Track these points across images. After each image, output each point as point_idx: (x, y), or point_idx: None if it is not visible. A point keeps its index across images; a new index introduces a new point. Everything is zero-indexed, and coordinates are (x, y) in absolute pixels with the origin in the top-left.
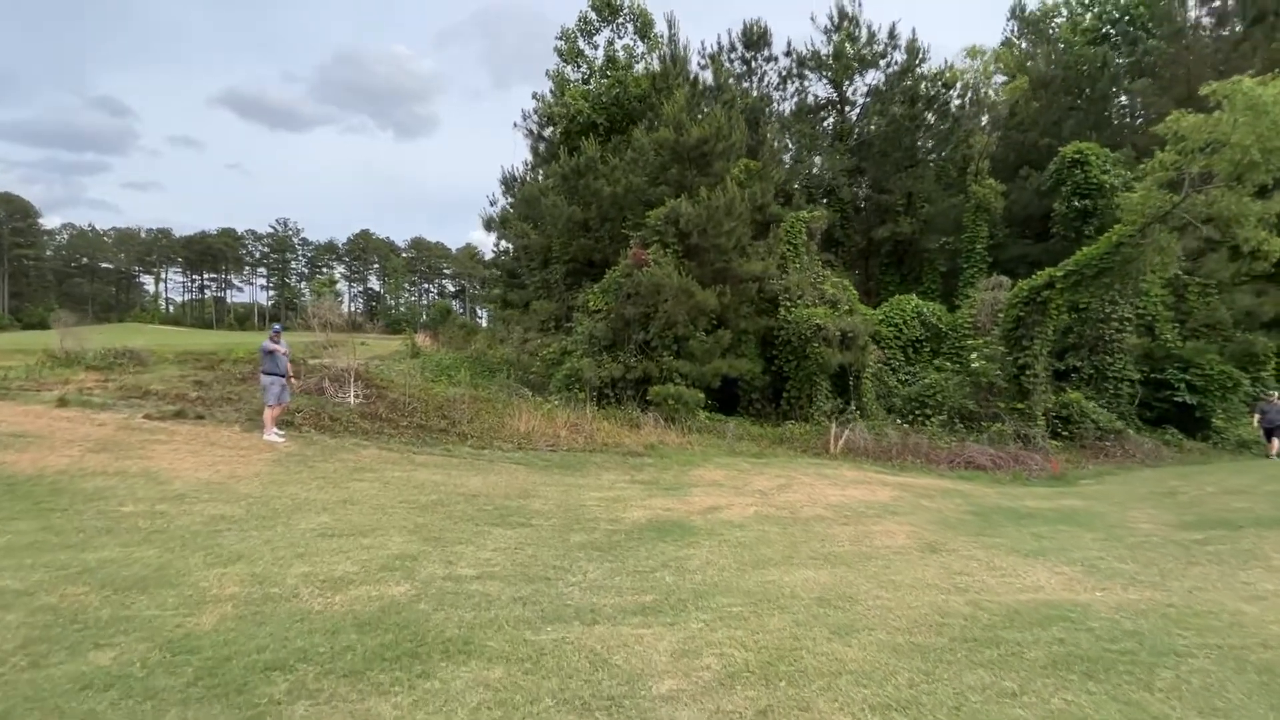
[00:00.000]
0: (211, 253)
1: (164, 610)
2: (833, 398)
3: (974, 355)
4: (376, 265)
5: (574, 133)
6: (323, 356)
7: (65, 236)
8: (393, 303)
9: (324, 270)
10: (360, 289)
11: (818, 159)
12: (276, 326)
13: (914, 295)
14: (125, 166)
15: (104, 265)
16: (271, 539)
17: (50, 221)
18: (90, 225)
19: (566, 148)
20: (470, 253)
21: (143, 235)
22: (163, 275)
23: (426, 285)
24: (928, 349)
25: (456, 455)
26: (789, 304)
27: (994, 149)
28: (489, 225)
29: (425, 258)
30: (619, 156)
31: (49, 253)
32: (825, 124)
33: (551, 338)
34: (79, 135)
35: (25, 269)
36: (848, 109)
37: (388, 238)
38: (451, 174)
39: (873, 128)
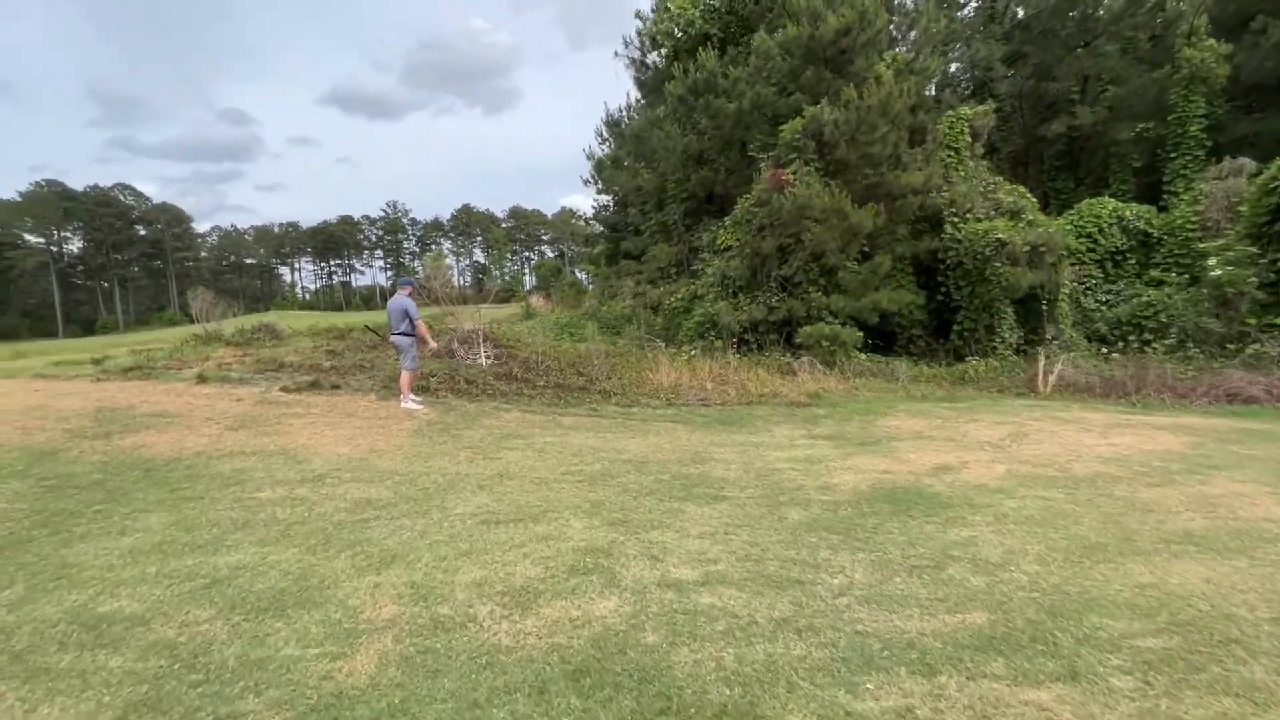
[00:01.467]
0: (334, 240)
1: (306, 647)
2: (1018, 327)
3: (1213, 261)
4: (479, 238)
5: (684, 51)
6: (446, 322)
7: (215, 238)
8: (497, 273)
9: (433, 246)
10: (467, 262)
11: (959, 50)
12: (407, 279)
13: (1106, 198)
14: (255, 171)
15: (248, 261)
16: (427, 529)
17: (201, 226)
18: (233, 226)
19: (678, 68)
20: (566, 216)
21: (276, 230)
22: (296, 265)
23: (527, 253)
24: (1133, 261)
25: (604, 415)
26: (956, 219)
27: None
28: (589, 180)
29: (524, 225)
30: (740, 68)
31: (204, 254)
32: (965, 9)
33: (675, 284)
34: (216, 147)
35: (186, 270)
36: None
37: (488, 210)
38: (539, 142)
39: (1029, 4)
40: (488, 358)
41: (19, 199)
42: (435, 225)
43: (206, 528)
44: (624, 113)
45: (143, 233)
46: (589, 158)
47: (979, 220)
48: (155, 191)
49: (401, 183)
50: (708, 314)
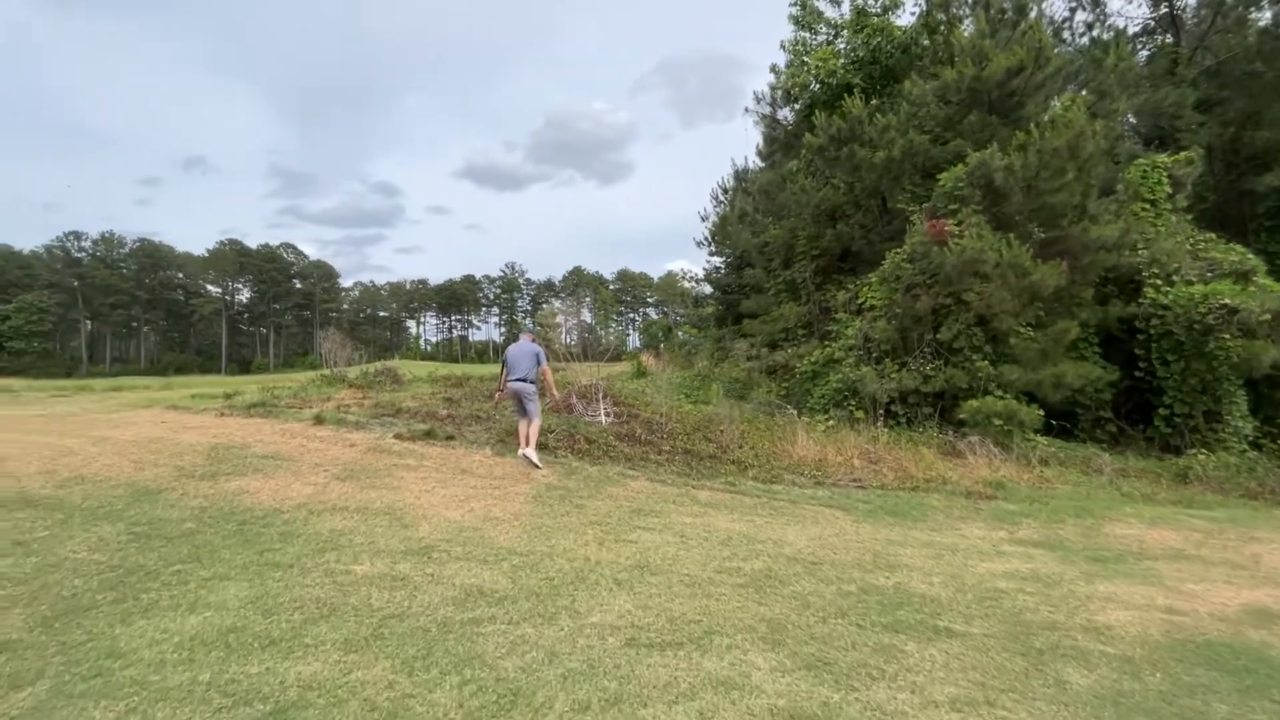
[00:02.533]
0: (457, 296)
1: None
2: (1250, 415)
3: None
4: (588, 298)
5: (821, 103)
6: (562, 375)
7: (356, 292)
8: (602, 332)
9: (544, 305)
10: (574, 321)
11: (1132, 100)
12: (531, 326)
13: None
14: (396, 235)
15: (381, 314)
16: (556, 648)
17: (346, 282)
18: (371, 281)
19: (821, 117)
20: (671, 280)
21: (408, 287)
22: (421, 319)
23: (632, 315)
24: None
25: (743, 491)
26: (1158, 282)
27: None
28: (704, 241)
29: (630, 288)
30: (889, 115)
31: (345, 306)
32: (1139, 55)
33: (802, 346)
34: (366, 215)
35: (330, 319)
36: (1175, 31)
37: (597, 272)
38: (648, 212)
39: (1222, 49)
40: (608, 415)
41: (206, 255)
42: (548, 285)
43: (288, 610)
44: (750, 169)
45: (298, 285)
46: (703, 219)
47: (1189, 283)
48: (313, 252)
49: (520, 248)
50: (847, 380)
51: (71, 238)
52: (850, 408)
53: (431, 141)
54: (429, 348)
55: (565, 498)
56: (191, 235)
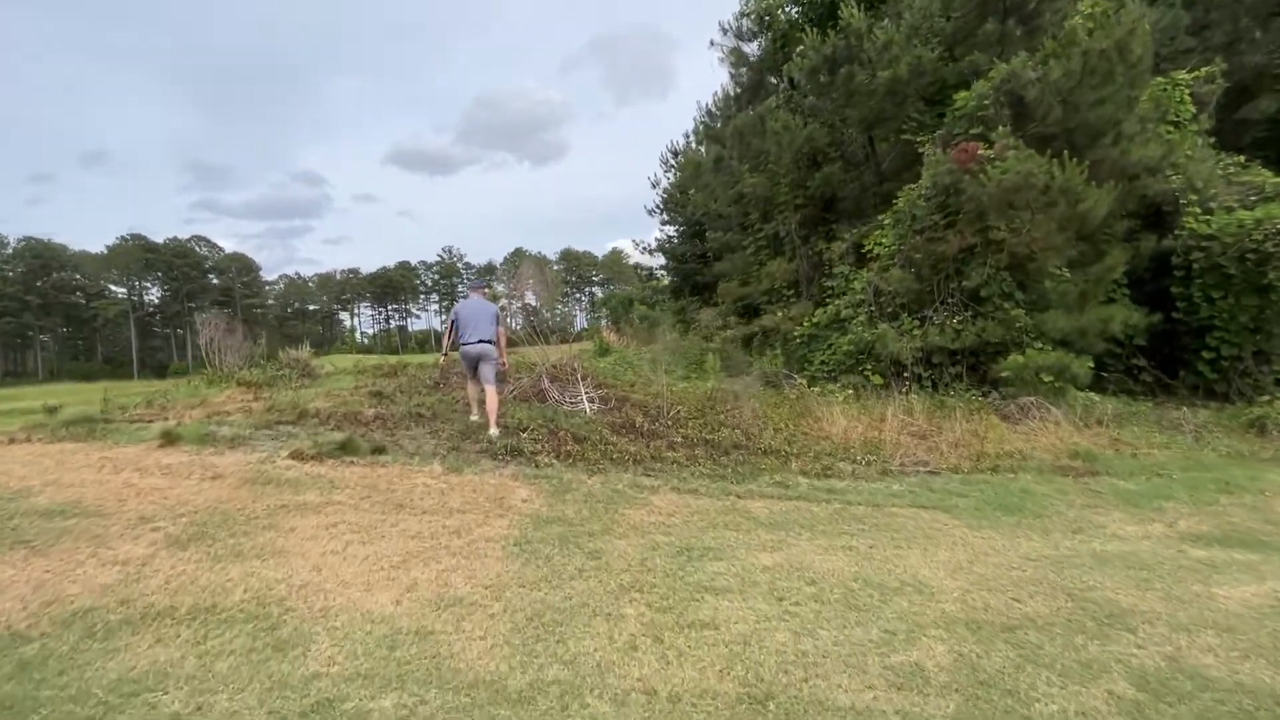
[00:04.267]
0: (392, 285)
1: None
2: None
3: None
4: (532, 280)
5: (798, 28)
6: (523, 356)
7: (281, 286)
8: (548, 314)
9: (487, 289)
10: (518, 305)
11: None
12: (481, 282)
13: None
14: (323, 226)
15: (311, 307)
16: None
17: (269, 276)
18: (297, 273)
19: (811, 36)
20: (616, 257)
21: (338, 277)
22: (355, 310)
23: (577, 294)
24: None
25: (803, 495)
26: (1196, 210)
27: None
28: (655, 209)
29: (575, 267)
30: (892, 29)
31: (270, 301)
32: None
33: (796, 307)
34: (290, 206)
35: (255, 316)
36: None
37: (539, 252)
38: (587, 191)
39: None
40: (591, 401)
41: (105, 253)
42: (488, 269)
43: None
44: (715, 114)
45: (215, 281)
46: (654, 185)
47: (1228, 210)
48: (232, 247)
49: (456, 233)
50: (859, 341)
51: None
52: (866, 373)
53: (356, 127)
54: (366, 340)
55: (567, 539)
56: (95, 236)
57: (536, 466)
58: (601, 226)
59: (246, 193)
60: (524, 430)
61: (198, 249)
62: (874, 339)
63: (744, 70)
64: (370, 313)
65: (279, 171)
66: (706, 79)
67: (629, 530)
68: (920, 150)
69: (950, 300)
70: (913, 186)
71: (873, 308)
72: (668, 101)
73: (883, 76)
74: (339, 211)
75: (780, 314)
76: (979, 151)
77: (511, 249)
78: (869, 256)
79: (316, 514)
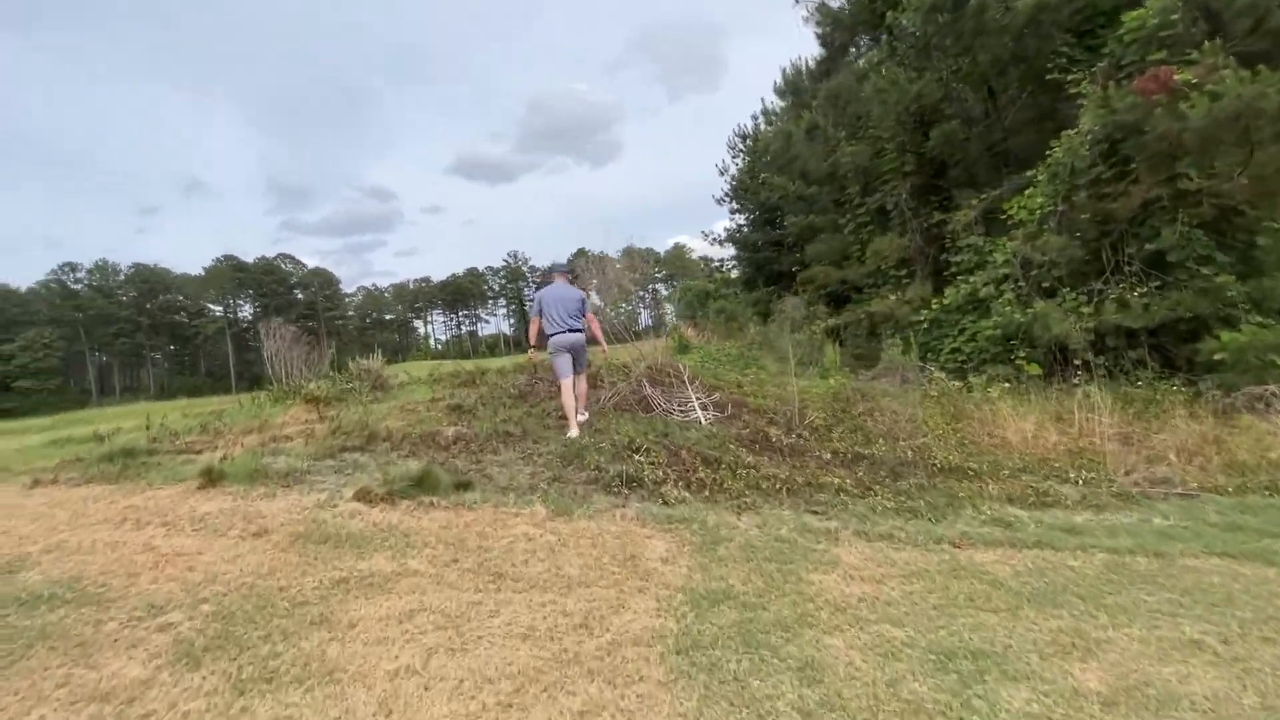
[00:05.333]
0: (461, 291)
1: None
2: None
3: None
4: (595, 281)
5: None
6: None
7: (359, 298)
8: (612, 313)
9: (569, 274)
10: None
11: None
12: (563, 265)
13: None
14: (395, 239)
15: (387, 317)
16: None
17: (348, 288)
18: (374, 285)
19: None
20: (679, 253)
21: (411, 286)
22: (428, 318)
23: (641, 292)
24: None
25: (1030, 534)
26: None
27: None
28: (724, 198)
29: (636, 265)
30: None
31: (350, 313)
32: None
33: (911, 289)
34: (363, 221)
35: (336, 328)
36: None
37: (601, 251)
38: (643, 190)
39: None
40: (705, 409)
41: (203, 274)
42: (553, 269)
43: None
44: (800, 83)
45: (300, 296)
46: (722, 172)
47: None
48: (314, 263)
49: (520, 238)
50: (1008, 323)
51: (66, 269)
52: (1018, 361)
53: (419, 140)
54: (439, 346)
55: (751, 637)
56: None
57: (665, 503)
58: (661, 222)
59: (323, 211)
60: (637, 451)
61: (283, 266)
62: (1028, 320)
63: (832, 30)
64: (442, 319)
65: (351, 188)
66: (760, 63)
67: (834, 614)
68: (1070, 92)
69: (1127, 268)
70: (1072, 133)
71: (1021, 283)
72: (720, 92)
73: (1022, 4)
74: (409, 224)
75: (893, 298)
76: (1174, 77)
77: (574, 250)
78: (1010, 223)
79: (386, 594)
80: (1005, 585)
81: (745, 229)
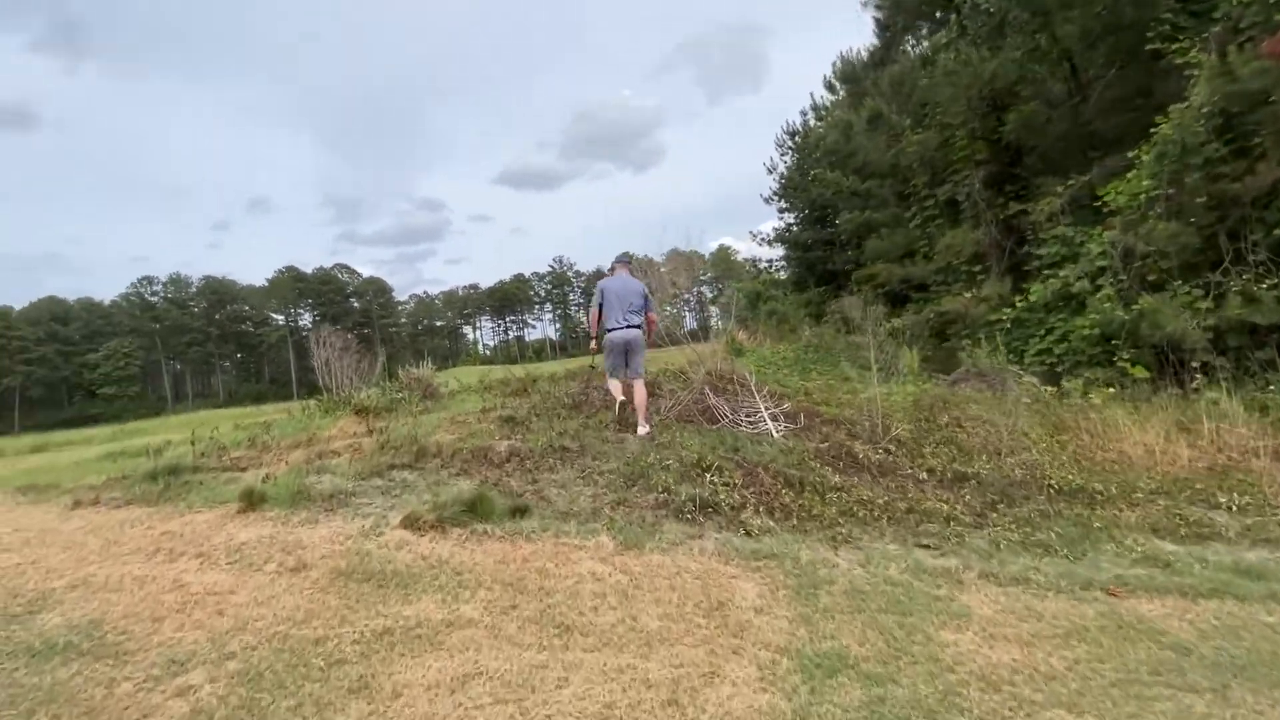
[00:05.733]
0: (509, 297)
1: None
2: None
3: None
4: (647, 280)
5: None
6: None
7: (411, 305)
8: (657, 316)
9: (630, 264)
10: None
11: None
12: (624, 256)
13: None
14: (445, 248)
15: (438, 323)
16: None
17: (400, 296)
18: (425, 292)
19: None
20: (724, 255)
21: (460, 293)
22: (477, 324)
23: (685, 295)
24: None
25: (1201, 578)
26: None
27: None
28: (772, 197)
29: (683, 268)
30: None
31: (403, 320)
32: None
33: (987, 286)
34: (415, 231)
35: (389, 335)
36: None
37: (646, 255)
38: (686, 193)
39: None
40: (775, 419)
41: (266, 285)
42: (597, 274)
43: None
44: (855, 66)
45: (355, 305)
46: (770, 170)
47: None
48: (370, 273)
49: (565, 243)
50: (1109, 321)
51: (144, 283)
52: (1121, 363)
53: (467, 151)
54: (488, 351)
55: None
56: (260, 272)
57: (747, 533)
58: (704, 226)
59: (377, 223)
60: (708, 469)
61: (340, 276)
62: (1133, 317)
63: (892, 12)
64: (490, 325)
65: (403, 199)
66: (802, 62)
67: (985, 691)
68: (1174, 64)
69: (1251, 256)
70: (1182, 106)
71: (1122, 276)
72: (762, 93)
73: None
74: (458, 233)
75: (968, 295)
76: None
77: (619, 253)
78: (1105, 210)
79: (436, 649)
80: (1194, 652)
81: (795, 228)
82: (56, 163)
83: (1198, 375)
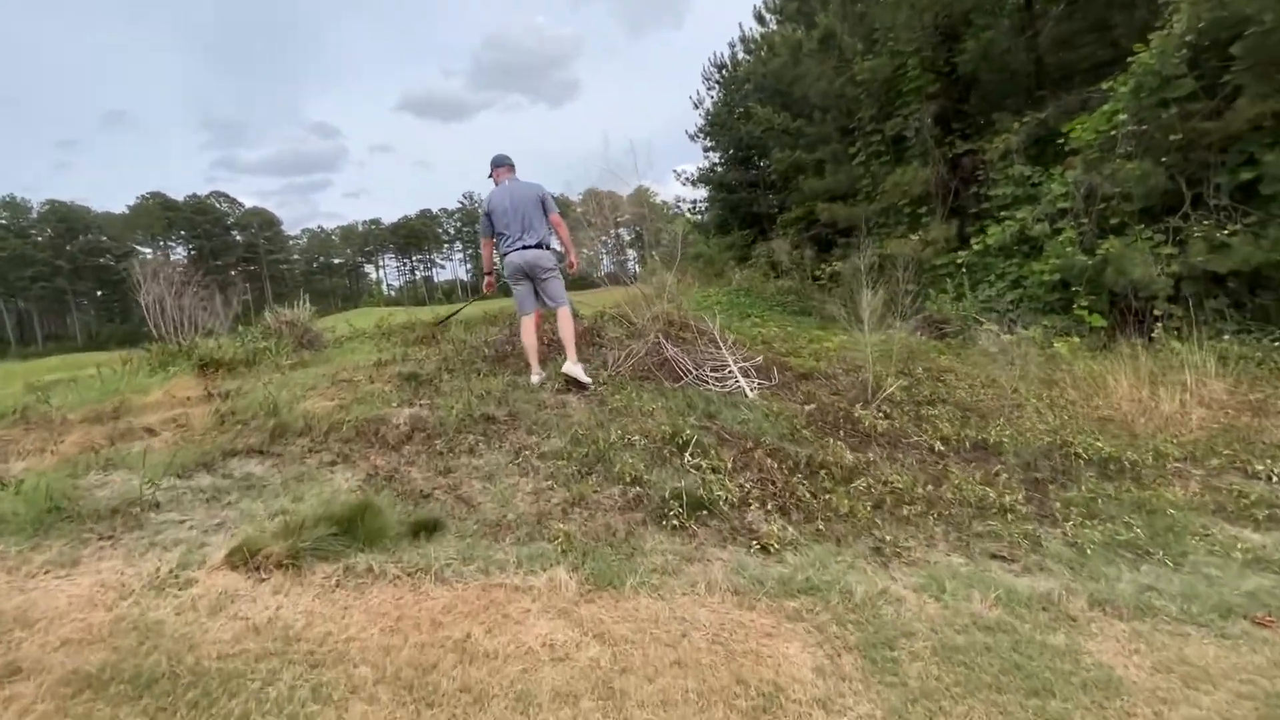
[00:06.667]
0: (415, 234)
1: None
2: None
3: None
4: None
5: None
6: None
7: (304, 240)
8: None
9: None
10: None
11: None
12: (504, 157)
13: None
14: (342, 180)
15: (336, 261)
16: None
17: (293, 231)
18: (320, 227)
19: None
20: (643, 195)
21: (360, 229)
22: (380, 262)
23: (603, 237)
24: None
25: None
26: None
27: None
28: (698, 134)
29: (599, 209)
30: None
31: (295, 256)
32: None
33: (935, 228)
34: (306, 160)
35: (280, 273)
36: None
37: (562, 194)
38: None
39: None
40: (749, 377)
41: (127, 213)
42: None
43: None
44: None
45: (238, 238)
46: (696, 105)
47: None
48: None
49: (476, 179)
50: (1071, 266)
51: None
52: (1079, 311)
53: (365, 75)
54: (393, 293)
55: None
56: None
57: (764, 548)
58: (623, 166)
59: (264, 150)
60: (685, 447)
61: (218, 205)
62: (1096, 262)
63: None
64: (395, 264)
65: (293, 125)
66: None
67: None
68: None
69: (1212, 201)
70: (1164, 33)
71: (1084, 220)
72: (683, 31)
73: None
74: (356, 164)
75: (914, 238)
76: None
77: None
78: (1068, 149)
79: None
80: None
81: (720, 168)
82: None
83: (1158, 324)
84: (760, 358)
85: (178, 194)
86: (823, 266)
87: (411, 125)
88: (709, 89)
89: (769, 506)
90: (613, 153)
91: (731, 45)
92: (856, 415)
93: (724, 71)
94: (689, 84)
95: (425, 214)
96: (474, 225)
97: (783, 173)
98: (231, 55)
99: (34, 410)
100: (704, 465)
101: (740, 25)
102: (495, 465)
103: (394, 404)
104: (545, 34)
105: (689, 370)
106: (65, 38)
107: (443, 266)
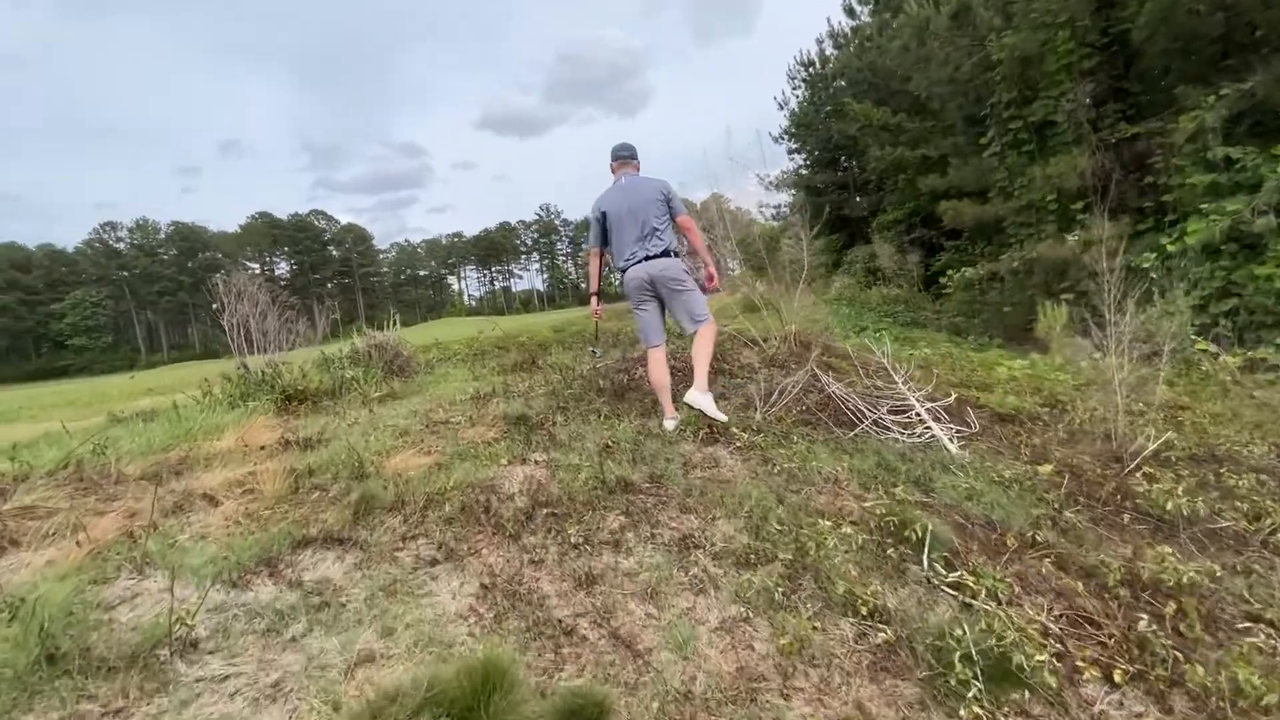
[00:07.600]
0: (495, 246)
1: None
2: None
3: None
4: None
5: None
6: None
7: (393, 254)
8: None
9: (585, 244)
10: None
11: None
12: (627, 147)
13: None
14: (428, 196)
15: (421, 273)
16: None
17: (381, 244)
18: (406, 240)
19: None
20: (718, 201)
21: (444, 242)
22: (462, 274)
23: (726, 241)
24: None
25: None
26: None
27: None
28: (781, 136)
29: (719, 216)
30: None
31: (384, 269)
32: None
33: (1091, 227)
34: (395, 178)
35: (371, 285)
36: None
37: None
38: (675, 138)
39: None
40: (936, 419)
41: (239, 231)
42: (584, 225)
43: None
44: None
45: (334, 253)
46: (781, 106)
47: None
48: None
49: (552, 191)
50: None
51: (108, 229)
52: None
53: (446, 94)
54: (473, 302)
55: None
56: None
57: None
58: (692, 172)
59: (355, 169)
60: (923, 546)
61: (316, 222)
62: None
63: None
64: (475, 275)
65: (382, 146)
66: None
67: None
68: None
69: None
70: None
71: None
72: (753, 37)
73: None
74: (440, 181)
75: (1072, 239)
76: None
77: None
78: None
79: None
80: None
81: (805, 170)
82: (11, 103)
83: None
84: (951, 396)
85: (282, 213)
86: (949, 273)
87: (491, 142)
88: (794, 88)
89: (1116, 677)
90: (686, 160)
91: (819, 41)
92: (1129, 486)
93: (810, 69)
94: (759, 90)
95: (504, 226)
96: (549, 236)
97: (881, 172)
98: (327, 84)
99: (89, 463)
100: (970, 583)
101: (829, 20)
102: (654, 570)
103: (503, 460)
104: (615, 47)
105: (862, 413)
106: (188, 76)
107: (520, 277)
